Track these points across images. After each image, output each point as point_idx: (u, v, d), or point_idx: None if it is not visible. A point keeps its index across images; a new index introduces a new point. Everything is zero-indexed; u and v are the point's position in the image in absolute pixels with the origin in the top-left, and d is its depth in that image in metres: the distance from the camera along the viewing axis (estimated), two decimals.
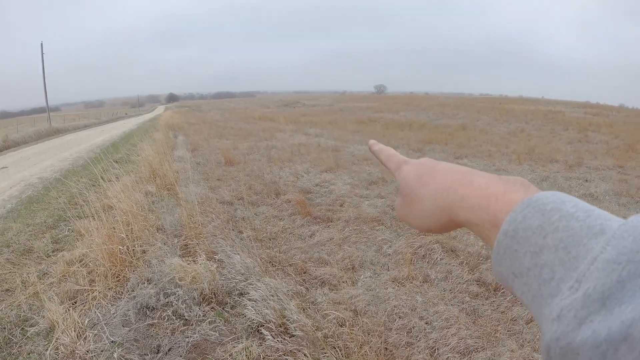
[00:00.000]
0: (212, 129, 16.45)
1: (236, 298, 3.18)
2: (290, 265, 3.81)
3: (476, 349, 2.72)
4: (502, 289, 3.43)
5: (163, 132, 15.37)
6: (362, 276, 3.64)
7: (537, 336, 2.85)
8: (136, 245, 3.81)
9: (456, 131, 14.52)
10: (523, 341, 2.83)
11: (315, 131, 15.10)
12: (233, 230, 4.54)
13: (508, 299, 3.30)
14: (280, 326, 2.73)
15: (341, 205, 5.62)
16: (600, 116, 21.48)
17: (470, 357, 2.64)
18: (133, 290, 3.19)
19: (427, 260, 3.95)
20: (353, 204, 5.64)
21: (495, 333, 2.91)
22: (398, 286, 3.47)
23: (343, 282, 3.49)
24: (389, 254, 4.09)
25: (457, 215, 0.37)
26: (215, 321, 2.90)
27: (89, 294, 3.16)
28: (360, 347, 2.57)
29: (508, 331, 2.95)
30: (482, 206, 0.34)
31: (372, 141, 0.58)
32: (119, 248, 3.52)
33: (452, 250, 4.13)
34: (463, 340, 2.77)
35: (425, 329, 2.89)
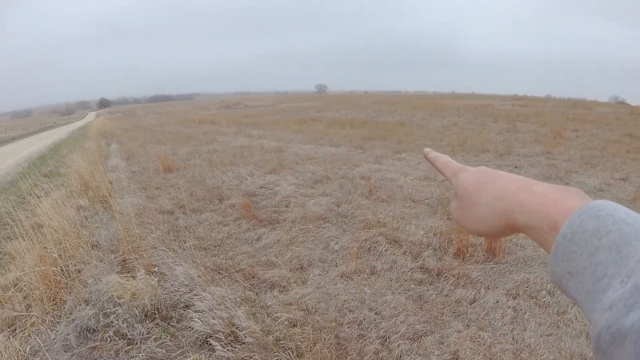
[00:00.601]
0: (148, 135, 15.67)
1: (181, 311, 3.05)
2: (238, 271, 3.72)
3: (425, 333, 2.84)
4: (446, 273, 3.60)
5: (94, 141, 14.41)
6: (311, 275, 3.65)
7: (482, 315, 3.04)
8: (70, 265, 3.55)
9: (394, 127, 15.03)
10: (468, 321, 2.99)
11: (258, 132, 14.92)
12: (175, 240, 4.36)
13: (451, 282, 3.48)
14: (229, 335, 2.66)
15: (287, 206, 5.59)
16: (528, 107, 23.27)
17: (420, 341, 2.75)
18: (71, 313, 2.98)
19: (372, 253, 4.05)
20: (299, 203, 5.64)
21: (441, 316, 3.05)
22: (347, 281, 3.53)
23: (293, 282, 3.48)
24: (336, 250, 4.14)
25: (515, 219, 0.39)
26: (160, 337, 2.77)
27: (27, 320, 2.93)
28: (313, 346, 2.57)
29: (453, 313, 3.10)
30: (542, 211, 0.37)
31: (427, 149, 0.60)
32: (52, 269, 3.26)
33: (395, 241, 4.27)
34: (412, 326, 2.88)
35: (375, 320, 2.96)
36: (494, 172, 0.46)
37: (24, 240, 3.68)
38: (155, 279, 3.24)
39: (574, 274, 0.32)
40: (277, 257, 3.98)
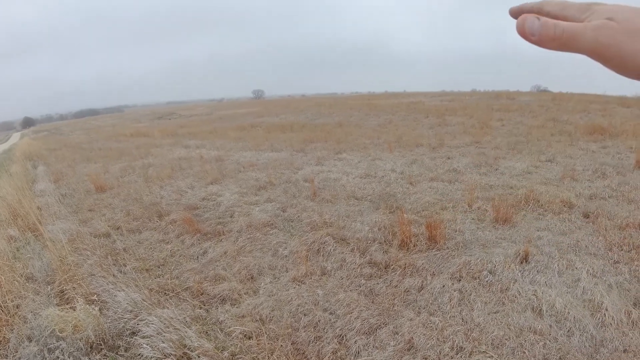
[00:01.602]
0: (76, 153, 14.56)
1: (128, 338, 2.89)
2: (185, 289, 3.59)
3: (379, 325, 2.92)
4: (393, 265, 3.73)
5: (20, 164, 13.13)
6: (262, 283, 3.61)
7: (431, 301, 3.18)
8: (8, 301, 3.27)
9: (334, 128, 15.28)
10: (419, 308, 3.13)
11: (196, 142, 14.45)
12: (114, 264, 4.11)
13: (398, 273, 3.61)
14: (181, 357, 2.56)
15: (231, 216, 5.48)
16: (455, 102, 24.65)
17: (375, 335, 2.83)
18: (17, 351, 2.80)
19: (321, 254, 4.10)
20: (243, 212, 5.55)
21: (393, 307, 3.16)
22: (299, 285, 3.54)
23: (244, 294, 3.42)
24: (286, 256, 4.14)
25: None
26: None
27: None
28: (270, 355, 2.55)
29: (404, 302, 3.23)
30: None
31: (513, 7, 0.44)
32: None
33: (342, 240, 4.35)
34: (366, 320, 2.95)
35: (330, 320, 3.00)
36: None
37: None
38: (97, 308, 3.03)
39: None
40: (226, 270, 3.89)
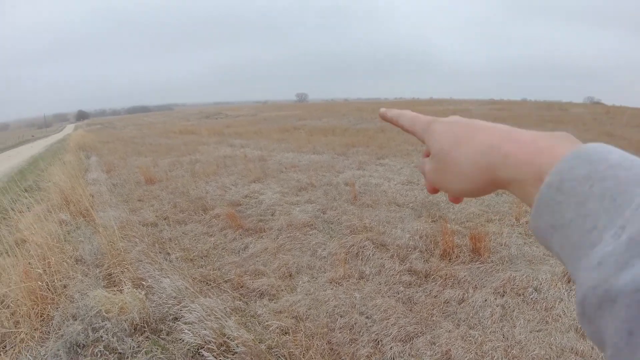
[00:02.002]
0: (128, 147, 15.39)
1: (171, 323, 3.01)
2: (226, 281, 3.69)
3: (416, 334, 2.87)
4: (433, 275, 3.65)
5: (74, 154, 14.05)
6: (300, 282, 3.65)
7: (471, 314, 3.09)
8: (55, 280, 3.49)
9: (376, 134, 15.18)
10: (458, 321, 3.04)
11: (240, 142, 14.85)
12: (160, 253, 4.29)
13: (439, 283, 3.53)
14: (221, 345, 2.63)
15: (272, 215, 5.58)
16: (505, 110, 23.88)
17: (411, 343, 2.78)
18: (60, 329, 2.94)
19: (360, 258, 4.08)
20: (284, 211, 5.64)
21: (431, 317, 3.09)
22: (336, 286, 3.54)
23: (282, 290, 3.47)
24: (324, 257, 4.15)
25: (498, 174, 0.34)
26: (151, 350, 2.72)
27: (16, 337, 2.87)
28: (306, 352, 2.57)
29: (443, 313, 3.15)
30: (528, 161, 0.32)
31: (382, 109, 0.53)
32: (38, 284, 3.19)
33: (382, 245, 4.31)
34: (403, 328, 2.90)
35: (366, 324, 2.98)
36: (472, 123, 0.40)
37: (8, 256, 3.59)
38: (143, 292, 3.18)
39: (558, 227, 0.27)
40: (265, 266, 3.97)
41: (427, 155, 0.45)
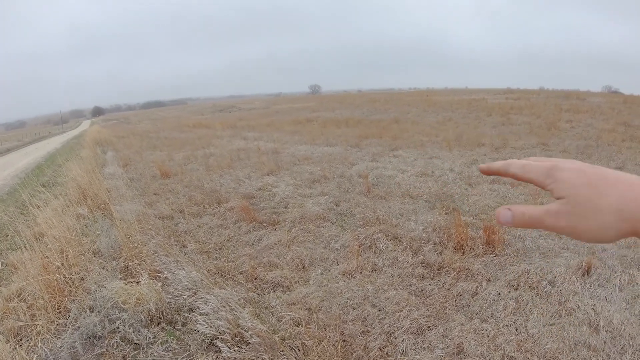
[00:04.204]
0: (143, 141, 15.64)
1: (186, 314, 3.07)
2: (240, 273, 3.74)
3: (428, 327, 2.87)
4: (446, 267, 3.63)
5: (90, 149, 14.35)
6: (313, 274, 3.68)
7: (484, 307, 3.07)
8: (73, 273, 3.56)
9: (389, 124, 15.08)
10: (471, 314, 3.03)
11: (254, 135, 14.93)
12: (176, 245, 4.37)
13: (452, 276, 3.51)
14: (235, 336, 2.68)
15: (286, 207, 5.61)
16: (521, 100, 23.38)
17: (424, 335, 2.78)
18: (76, 321, 3.00)
19: (373, 250, 4.08)
20: (297, 204, 5.66)
21: (444, 310, 3.08)
22: (349, 278, 3.55)
23: (295, 282, 3.50)
24: (337, 249, 4.17)
25: None
26: (167, 341, 2.78)
27: (32, 330, 2.94)
28: (319, 343, 2.60)
29: (456, 306, 3.14)
30: None
31: (482, 165, 0.53)
32: (56, 277, 3.27)
33: (395, 238, 4.30)
34: (415, 320, 2.91)
35: (379, 316, 2.99)
36: (604, 172, 0.42)
37: (27, 250, 3.69)
38: (159, 284, 3.25)
39: None
40: (279, 258, 4.00)
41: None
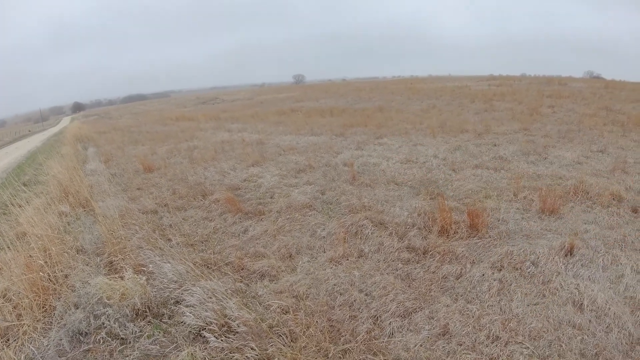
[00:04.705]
0: (125, 136, 15.33)
1: (172, 307, 3.05)
2: (227, 264, 3.73)
3: (414, 310, 2.91)
4: (431, 251, 3.67)
5: (71, 146, 14.02)
6: (300, 262, 3.69)
7: (469, 289, 3.12)
8: (57, 271, 3.52)
9: (374, 113, 15.08)
10: (456, 295, 3.08)
11: (238, 126, 14.78)
12: (161, 239, 4.32)
13: (437, 259, 3.56)
14: (222, 326, 2.67)
15: (271, 197, 5.60)
16: (504, 86, 23.57)
17: (410, 318, 2.82)
18: (62, 318, 2.97)
19: (359, 237, 4.11)
20: (283, 194, 5.65)
21: (429, 292, 3.13)
22: (335, 265, 3.57)
23: (282, 271, 3.50)
24: (323, 237, 4.18)
25: None
26: (153, 334, 2.77)
27: (19, 329, 2.90)
28: (306, 329, 2.61)
29: (441, 288, 3.19)
30: None
31: None
32: (40, 275, 3.22)
33: (381, 224, 4.33)
34: (402, 304, 2.94)
35: (365, 300, 3.02)
36: None
37: (10, 250, 3.61)
38: (144, 278, 3.21)
39: None
40: (265, 248, 4.00)
41: None
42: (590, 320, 2.66)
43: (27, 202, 5.28)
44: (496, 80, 30.76)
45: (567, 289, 3.02)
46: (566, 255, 3.48)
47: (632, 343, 2.46)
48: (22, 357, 2.62)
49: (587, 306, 2.80)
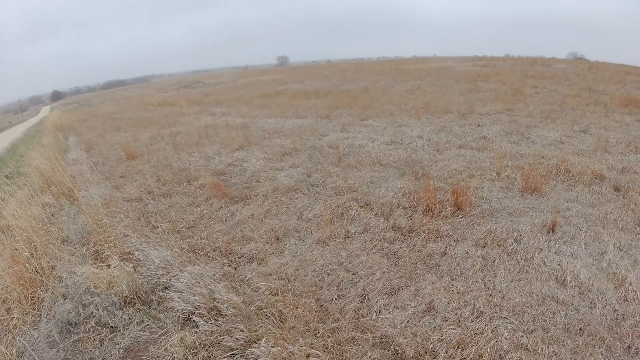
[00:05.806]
0: (106, 123, 14.98)
1: (161, 293, 3.06)
2: (214, 249, 3.73)
3: (401, 287, 2.97)
4: (416, 230, 3.74)
5: (52, 135, 13.65)
6: (287, 245, 3.71)
7: (453, 266, 3.20)
8: (43, 262, 3.47)
9: (359, 94, 15.01)
10: (441, 273, 3.15)
11: (222, 110, 14.56)
12: (147, 226, 4.29)
13: (422, 238, 3.63)
14: (211, 310, 2.70)
15: (257, 181, 5.58)
16: (488, 67, 23.60)
17: (396, 295, 2.88)
18: (50, 310, 2.95)
19: (345, 218, 4.15)
20: (269, 177, 5.64)
21: (415, 270, 3.20)
22: (323, 246, 3.61)
23: (270, 254, 3.53)
24: (310, 219, 4.21)
25: None
26: (143, 321, 2.78)
27: (9, 323, 2.88)
28: (295, 310, 2.65)
29: (426, 266, 3.26)
30: None
31: None
32: (26, 267, 3.18)
33: (366, 205, 4.37)
34: (388, 282, 3.00)
35: (353, 280, 3.07)
36: None
37: None
38: (131, 265, 3.20)
39: None
40: (253, 231, 4.01)
41: None
42: (573, 296, 2.75)
43: (10, 194, 5.15)
44: (480, 61, 30.81)
45: (550, 265, 3.11)
46: (548, 233, 3.57)
47: (617, 319, 2.54)
48: (14, 351, 2.61)
49: (570, 282, 2.88)
